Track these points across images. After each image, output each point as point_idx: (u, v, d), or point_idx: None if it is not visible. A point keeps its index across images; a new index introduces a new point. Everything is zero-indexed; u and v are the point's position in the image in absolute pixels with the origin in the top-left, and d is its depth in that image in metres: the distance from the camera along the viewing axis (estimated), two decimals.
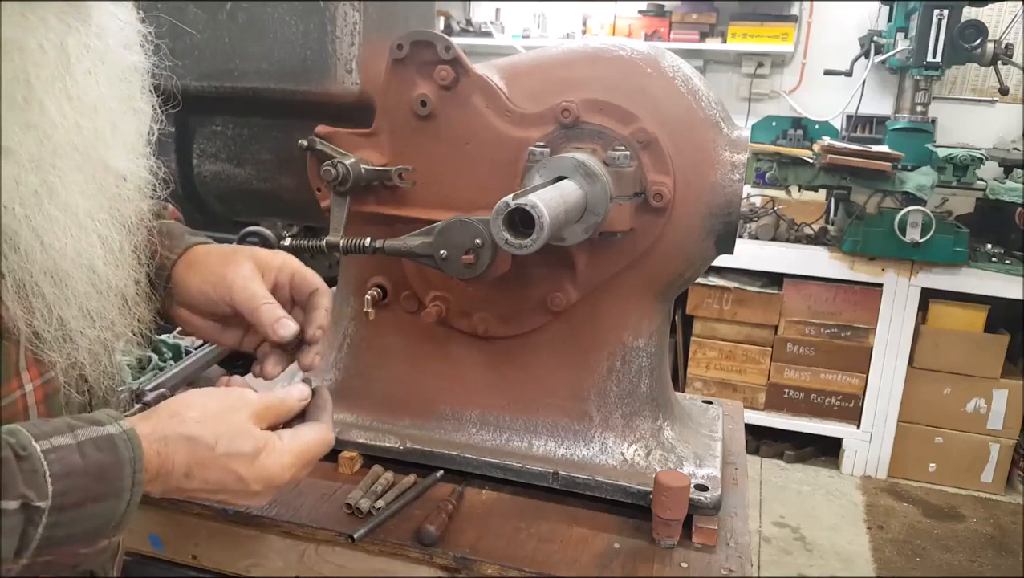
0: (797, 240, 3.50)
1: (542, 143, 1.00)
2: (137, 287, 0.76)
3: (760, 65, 4.37)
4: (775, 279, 3.49)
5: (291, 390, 0.79)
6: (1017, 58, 3.42)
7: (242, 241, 1.30)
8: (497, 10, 4.80)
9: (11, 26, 0.60)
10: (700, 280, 3.38)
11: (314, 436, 0.76)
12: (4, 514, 0.55)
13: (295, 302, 0.88)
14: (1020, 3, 3.70)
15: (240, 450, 0.69)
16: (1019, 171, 3.34)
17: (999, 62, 3.22)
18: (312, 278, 0.88)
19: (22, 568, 0.58)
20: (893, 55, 3.41)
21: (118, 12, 0.71)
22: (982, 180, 3.26)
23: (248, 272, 0.84)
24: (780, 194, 3.57)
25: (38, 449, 0.58)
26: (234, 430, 0.70)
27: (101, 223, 0.69)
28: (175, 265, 0.87)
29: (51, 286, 0.65)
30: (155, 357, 1.39)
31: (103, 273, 0.70)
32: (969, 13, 3.23)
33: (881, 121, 3.90)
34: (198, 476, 0.67)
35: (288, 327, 0.82)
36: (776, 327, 3.51)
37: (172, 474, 0.66)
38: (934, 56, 3.18)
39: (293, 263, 0.89)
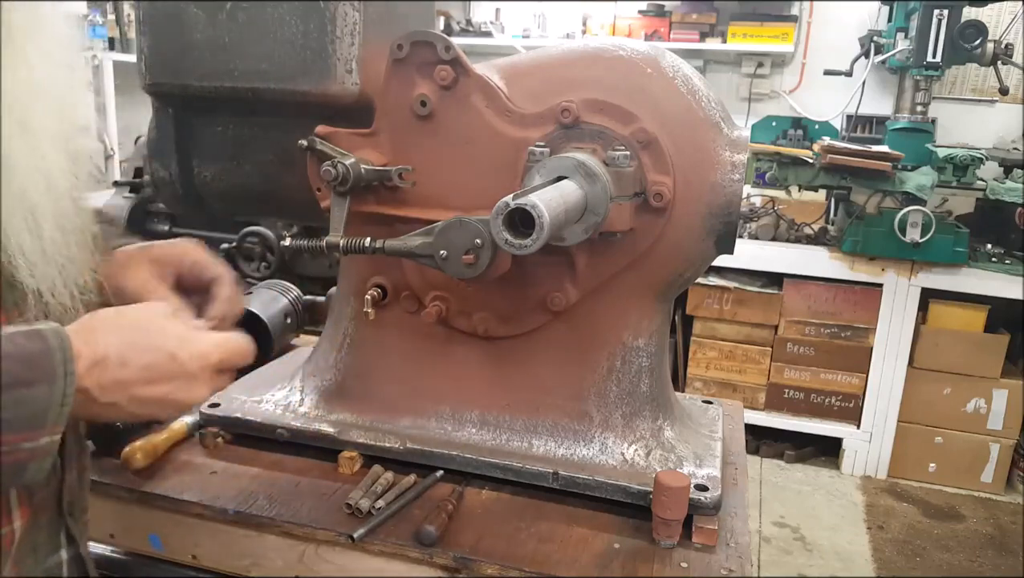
0: (797, 240, 3.50)
1: (542, 143, 1.00)
2: (94, 240, 0.81)
3: (760, 65, 4.38)
4: (775, 279, 3.49)
5: None
6: (1017, 58, 3.43)
7: (242, 241, 1.30)
8: (497, 10, 4.81)
9: None
10: (700, 280, 3.38)
11: (232, 333, 0.81)
12: None
13: (199, 290, 0.93)
14: (1020, 3, 3.70)
15: (167, 330, 0.75)
16: (1019, 171, 3.34)
17: (999, 62, 3.22)
18: (209, 266, 0.95)
19: None
20: (893, 55, 3.41)
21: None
22: (982, 180, 3.26)
23: (144, 277, 0.90)
24: (780, 194, 3.57)
25: None
26: (157, 318, 0.76)
27: (64, 170, 0.73)
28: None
29: (23, 210, 0.69)
30: None
31: (67, 210, 0.74)
32: (969, 13, 3.23)
33: (881, 121, 3.90)
34: (133, 361, 0.71)
35: None
36: (776, 327, 3.51)
37: (107, 362, 0.69)
38: (934, 56, 3.18)
39: (193, 253, 0.95)
